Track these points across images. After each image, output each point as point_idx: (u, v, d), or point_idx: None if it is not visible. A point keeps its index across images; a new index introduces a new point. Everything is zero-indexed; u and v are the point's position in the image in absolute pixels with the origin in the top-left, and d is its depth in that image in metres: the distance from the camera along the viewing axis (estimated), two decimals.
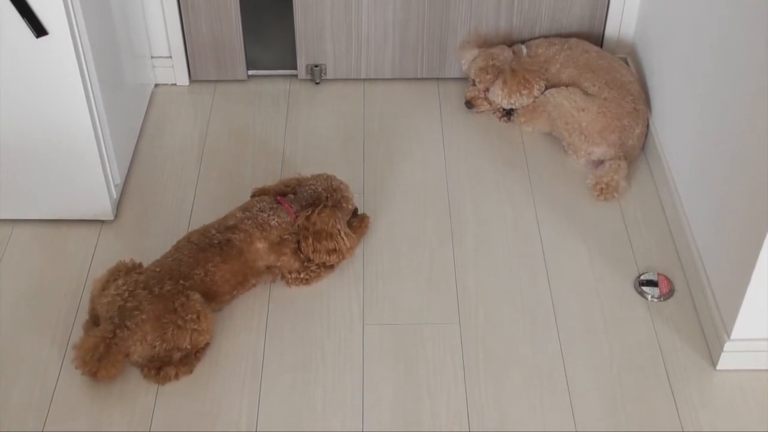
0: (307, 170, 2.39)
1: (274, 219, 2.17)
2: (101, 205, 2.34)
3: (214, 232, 2.13)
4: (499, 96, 2.66)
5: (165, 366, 2.00)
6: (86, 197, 2.32)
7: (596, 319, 2.17)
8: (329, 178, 2.28)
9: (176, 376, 2.01)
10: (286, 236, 2.18)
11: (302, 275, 2.22)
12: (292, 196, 2.26)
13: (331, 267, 2.26)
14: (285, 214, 2.19)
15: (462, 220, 2.42)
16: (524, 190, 2.50)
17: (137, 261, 2.13)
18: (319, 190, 2.24)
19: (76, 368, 1.97)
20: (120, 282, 2.04)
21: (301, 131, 2.69)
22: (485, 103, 2.72)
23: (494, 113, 2.74)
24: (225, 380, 2.03)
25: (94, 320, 2.06)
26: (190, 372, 2.03)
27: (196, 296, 2.02)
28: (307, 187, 2.25)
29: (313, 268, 2.23)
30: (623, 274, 2.27)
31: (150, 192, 2.48)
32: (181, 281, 2.03)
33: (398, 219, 2.42)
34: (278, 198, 2.24)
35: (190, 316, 1.99)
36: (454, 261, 2.31)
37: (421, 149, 2.63)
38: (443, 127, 2.70)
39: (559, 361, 2.08)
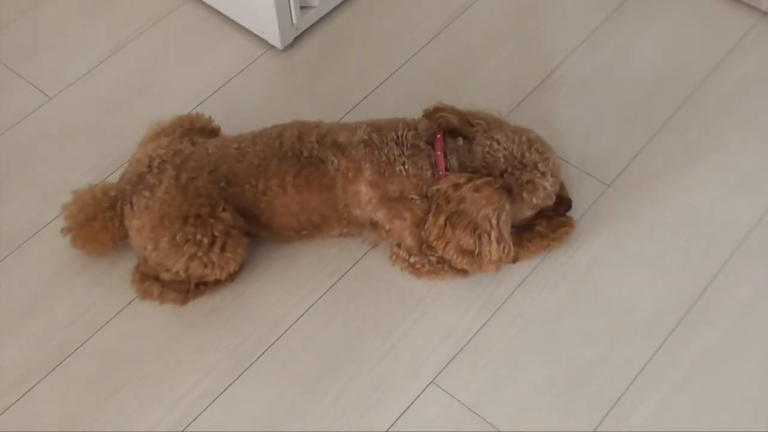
0: (564, 109, 1.53)
1: (405, 163, 1.38)
2: (269, 27, 1.71)
3: (313, 139, 1.42)
4: None
5: (151, 279, 1.43)
6: (258, 8, 1.70)
7: None
8: (530, 142, 1.38)
9: (159, 298, 1.43)
10: (412, 195, 1.39)
11: (413, 260, 1.44)
12: (461, 140, 1.43)
13: (462, 272, 1.44)
14: (428, 164, 1.39)
15: (724, 290, 1.41)
16: None
17: (224, 122, 1.54)
18: (500, 154, 1.37)
19: (65, 218, 1.46)
20: (165, 142, 1.46)
21: (612, 49, 1.73)
22: None
23: None
24: (209, 341, 1.41)
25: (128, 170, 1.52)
26: (181, 303, 1.44)
27: (226, 215, 1.37)
28: (489, 141, 1.39)
29: (433, 259, 1.43)
30: None
31: (350, 41, 1.77)
32: (223, 184, 1.39)
33: (631, 247, 1.46)
34: (440, 135, 1.42)
35: (198, 236, 1.36)
36: (672, 360, 1.35)
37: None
38: None
39: None
